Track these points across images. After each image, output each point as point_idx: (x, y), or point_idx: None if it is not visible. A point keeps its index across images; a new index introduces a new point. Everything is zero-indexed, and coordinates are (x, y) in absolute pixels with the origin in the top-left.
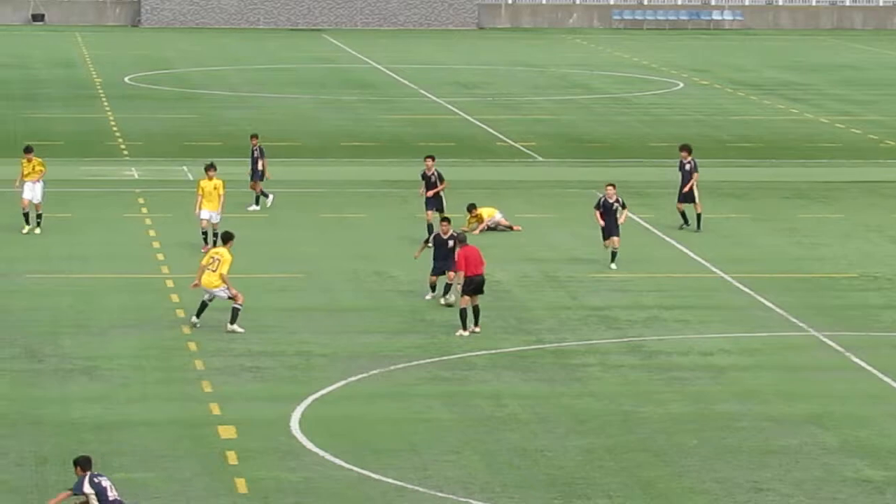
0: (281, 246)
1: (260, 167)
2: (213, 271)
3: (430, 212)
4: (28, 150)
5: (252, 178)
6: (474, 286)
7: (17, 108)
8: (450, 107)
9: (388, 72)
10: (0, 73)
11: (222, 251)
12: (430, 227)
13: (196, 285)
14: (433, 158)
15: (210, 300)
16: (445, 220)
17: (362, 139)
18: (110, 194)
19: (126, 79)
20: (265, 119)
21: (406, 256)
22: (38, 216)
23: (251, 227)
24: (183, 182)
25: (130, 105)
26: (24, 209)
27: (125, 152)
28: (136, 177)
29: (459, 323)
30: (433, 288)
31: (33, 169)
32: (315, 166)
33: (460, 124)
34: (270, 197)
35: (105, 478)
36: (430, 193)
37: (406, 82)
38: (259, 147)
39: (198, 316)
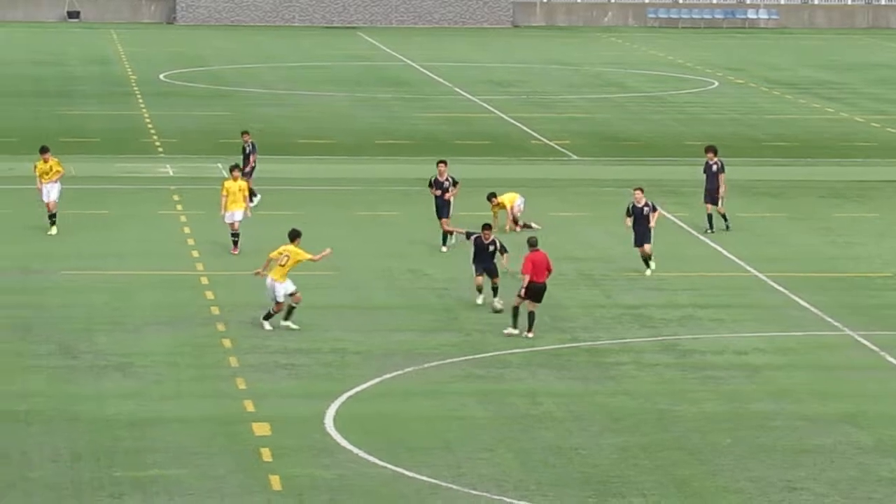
0: (315, 243)
1: (251, 163)
2: (282, 266)
3: (445, 220)
4: (44, 150)
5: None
6: (533, 292)
7: (52, 105)
8: (484, 105)
9: (422, 70)
10: (35, 70)
11: (291, 248)
12: (444, 237)
13: (259, 273)
14: (445, 163)
15: (274, 298)
16: (487, 226)
17: (397, 137)
18: (145, 191)
19: (161, 76)
20: (300, 117)
21: (440, 255)
22: (53, 215)
23: (285, 224)
24: (218, 179)
25: (165, 102)
26: (49, 211)
27: (160, 149)
28: (171, 174)
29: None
30: (480, 290)
31: (50, 169)
32: (350, 164)
33: (495, 122)
34: (258, 197)
35: None
36: (447, 197)
37: (441, 80)
38: (252, 143)
39: (286, 318)
